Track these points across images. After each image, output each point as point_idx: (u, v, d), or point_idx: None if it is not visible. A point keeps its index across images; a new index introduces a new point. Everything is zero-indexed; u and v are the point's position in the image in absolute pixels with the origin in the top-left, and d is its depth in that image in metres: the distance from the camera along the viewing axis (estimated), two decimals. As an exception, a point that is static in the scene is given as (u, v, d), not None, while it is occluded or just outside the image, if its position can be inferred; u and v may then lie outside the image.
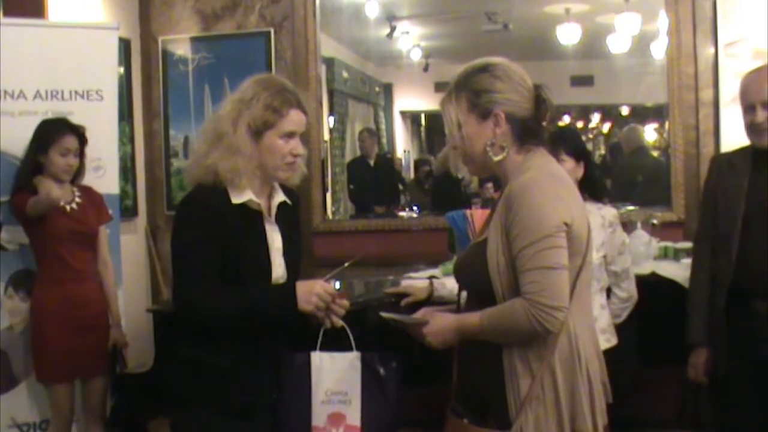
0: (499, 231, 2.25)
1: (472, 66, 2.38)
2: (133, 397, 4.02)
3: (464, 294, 2.53)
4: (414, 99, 7.27)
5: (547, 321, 2.15)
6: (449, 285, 3.45)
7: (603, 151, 6.85)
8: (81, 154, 4.17)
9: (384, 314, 2.56)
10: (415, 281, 3.70)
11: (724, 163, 3.42)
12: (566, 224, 2.21)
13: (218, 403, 2.60)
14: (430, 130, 7.51)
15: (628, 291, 3.64)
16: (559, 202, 2.23)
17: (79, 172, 4.22)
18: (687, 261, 4.13)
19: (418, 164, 7.11)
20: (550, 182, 2.26)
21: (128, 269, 5.05)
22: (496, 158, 2.33)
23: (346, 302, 2.69)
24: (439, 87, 6.92)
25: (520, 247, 2.19)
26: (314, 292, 2.56)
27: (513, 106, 2.31)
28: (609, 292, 3.65)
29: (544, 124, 2.36)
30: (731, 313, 3.21)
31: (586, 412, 2.24)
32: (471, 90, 2.33)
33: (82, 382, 4.20)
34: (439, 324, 2.39)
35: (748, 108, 3.22)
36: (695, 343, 3.39)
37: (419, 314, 2.54)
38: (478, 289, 2.34)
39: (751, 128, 3.23)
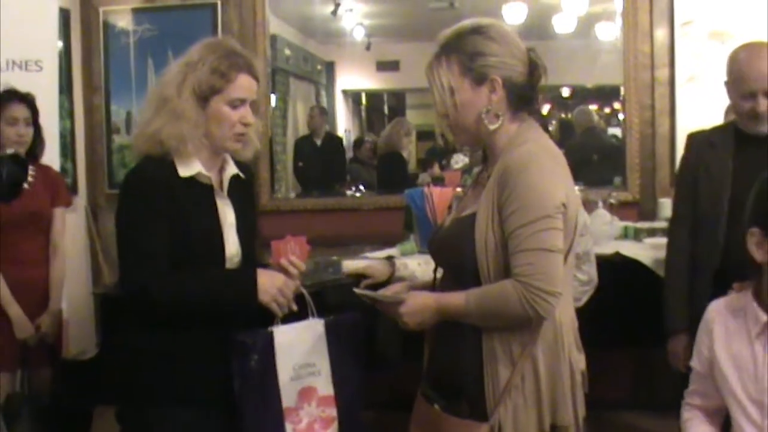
0: (490, 207, 2.11)
1: (462, 27, 2.21)
2: (76, 385, 3.84)
3: (440, 271, 2.38)
4: (356, 78, 7.21)
5: (541, 306, 2.02)
6: (411, 266, 3.35)
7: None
8: (35, 125, 3.93)
9: (357, 290, 2.41)
10: (375, 262, 3.58)
11: (703, 142, 3.30)
12: (563, 205, 2.08)
13: (173, 394, 2.44)
14: (370, 109, 7.48)
15: (589, 274, 3.47)
16: (559, 181, 2.11)
17: (36, 145, 3.97)
18: (649, 241, 4.14)
19: (364, 143, 7.04)
20: (548, 159, 2.13)
21: (68, 249, 4.85)
22: (492, 127, 2.18)
23: (301, 265, 2.56)
24: (381, 66, 6.89)
25: (516, 226, 2.05)
26: (276, 286, 2.44)
27: (509, 70, 2.16)
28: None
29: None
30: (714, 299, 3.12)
31: (568, 404, 2.14)
32: (464, 53, 2.16)
33: (28, 371, 3.96)
34: (417, 303, 2.21)
35: (747, 95, 3.07)
36: (674, 329, 3.30)
37: (391, 290, 2.42)
38: (460, 267, 2.18)
39: (750, 116, 3.09)
